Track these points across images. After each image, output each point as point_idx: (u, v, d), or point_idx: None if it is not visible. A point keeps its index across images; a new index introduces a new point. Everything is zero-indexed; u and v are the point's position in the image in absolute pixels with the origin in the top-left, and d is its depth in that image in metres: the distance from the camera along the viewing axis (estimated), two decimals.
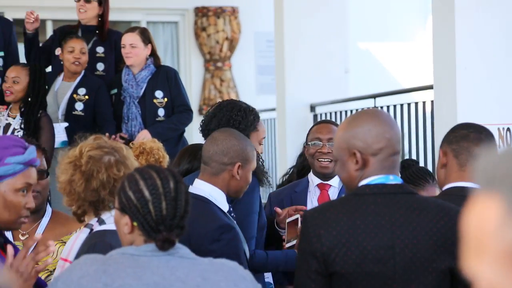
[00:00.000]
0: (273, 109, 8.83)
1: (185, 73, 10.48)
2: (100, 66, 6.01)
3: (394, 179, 2.71)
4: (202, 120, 3.92)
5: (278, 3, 8.05)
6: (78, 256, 2.89)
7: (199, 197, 3.26)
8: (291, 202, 4.07)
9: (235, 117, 3.81)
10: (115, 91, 5.83)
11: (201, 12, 10.57)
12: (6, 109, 5.56)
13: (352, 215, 2.65)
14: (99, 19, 6.08)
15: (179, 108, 5.77)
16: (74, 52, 5.69)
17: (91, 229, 2.99)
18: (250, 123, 3.80)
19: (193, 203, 3.15)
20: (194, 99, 10.12)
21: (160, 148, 4.25)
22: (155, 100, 5.76)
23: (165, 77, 5.79)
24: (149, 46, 5.80)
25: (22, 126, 5.45)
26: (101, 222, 2.98)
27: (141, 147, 4.38)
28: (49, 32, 10.26)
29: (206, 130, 3.86)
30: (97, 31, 6.06)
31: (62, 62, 5.82)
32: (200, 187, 3.33)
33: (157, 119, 5.74)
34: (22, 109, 5.48)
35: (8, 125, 5.50)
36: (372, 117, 2.76)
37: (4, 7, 9.59)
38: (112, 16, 9.99)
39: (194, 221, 3.10)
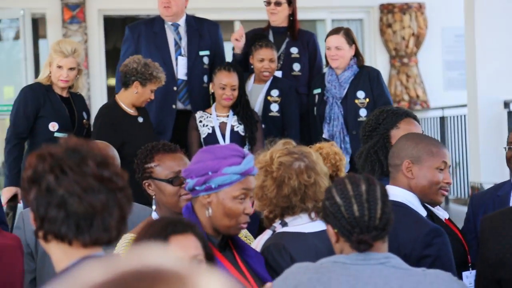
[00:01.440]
0: (462, 106, 8.59)
1: None
2: (296, 67, 6.06)
3: None
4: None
5: None
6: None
7: (395, 203, 3.18)
8: (493, 206, 3.93)
9: (367, 121, 3.91)
10: (318, 90, 5.84)
11: (386, 8, 10.46)
12: (204, 111, 5.74)
13: None
14: (290, 19, 6.12)
15: None
16: (263, 62, 5.78)
17: (274, 231, 3.02)
18: (382, 121, 3.80)
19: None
20: None
21: (337, 153, 4.23)
22: (356, 101, 5.71)
23: (368, 78, 5.73)
24: (353, 46, 5.77)
25: (239, 121, 5.67)
26: (283, 224, 3.01)
27: (318, 152, 4.39)
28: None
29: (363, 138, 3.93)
30: (288, 32, 6.10)
31: (252, 66, 5.91)
32: (393, 192, 3.20)
33: (358, 119, 5.68)
34: (234, 108, 5.69)
35: (223, 124, 5.68)
36: None
37: (194, 9, 9.86)
38: (298, 16, 10.10)
39: (399, 227, 3.05)
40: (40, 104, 5.35)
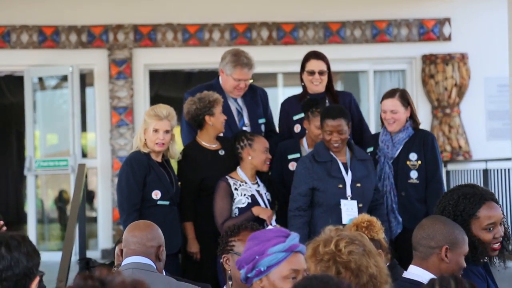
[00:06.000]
0: (507, 159, 8.54)
1: None
2: None
3: None
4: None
5: None
6: None
7: (413, 282, 3.32)
8: None
9: (448, 205, 3.64)
10: (371, 149, 5.89)
11: (429, 59, 10.49)
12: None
13: None
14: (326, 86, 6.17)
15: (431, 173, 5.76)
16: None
17: None
18: (464, 208, 3.59)
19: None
20: None
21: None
22: (408, 162, 5.74)
23: (422, 141, 5.75)
24: (409, 108, 5.78)
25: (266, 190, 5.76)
26: None
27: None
28: (280, 84, 10.59)
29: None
30: (326, 97, 6.13)
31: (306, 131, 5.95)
32: (413, 272, 3.37)
33: (409, 181, 5.73)
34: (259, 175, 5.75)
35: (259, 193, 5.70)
36: None
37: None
38: (341, 67, 10.16)
39: None
40: (146, 172, 5.41)
